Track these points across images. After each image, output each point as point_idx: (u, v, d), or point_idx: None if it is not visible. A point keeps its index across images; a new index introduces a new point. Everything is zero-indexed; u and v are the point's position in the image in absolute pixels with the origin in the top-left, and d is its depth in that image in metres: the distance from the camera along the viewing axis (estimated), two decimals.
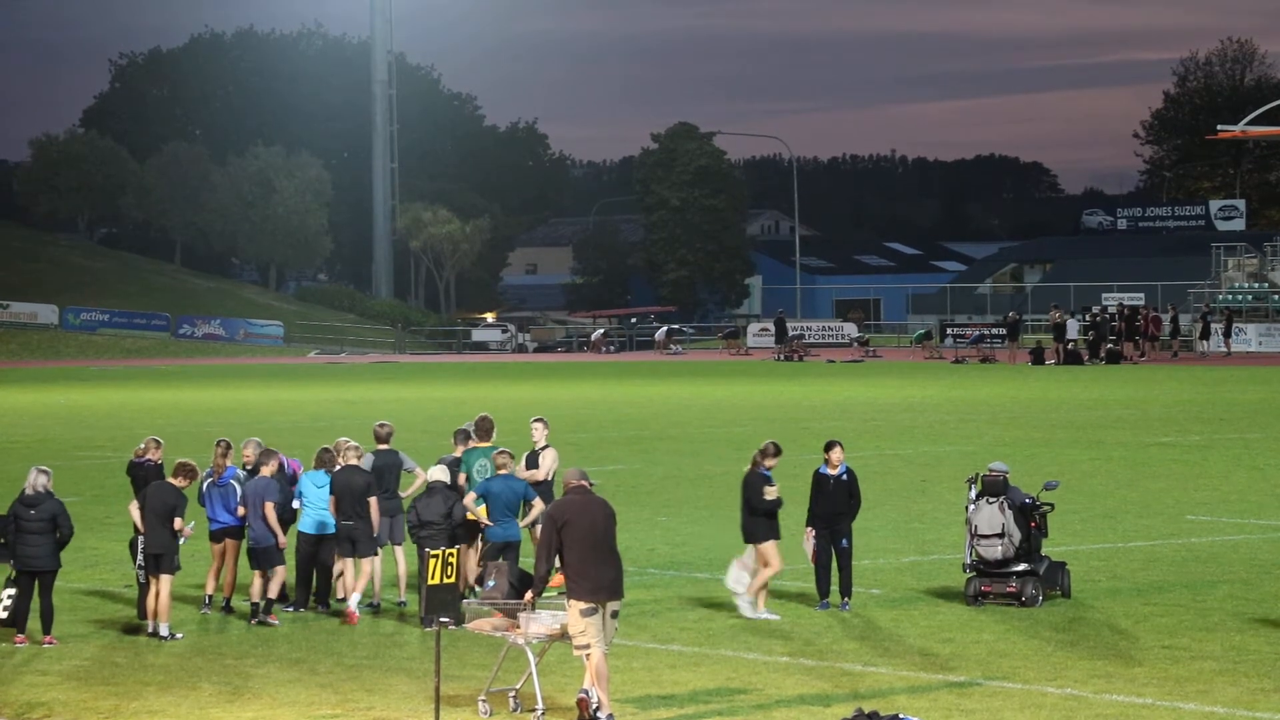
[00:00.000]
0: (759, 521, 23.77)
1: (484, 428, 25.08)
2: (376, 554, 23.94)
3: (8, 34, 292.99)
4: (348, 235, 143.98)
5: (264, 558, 23.42)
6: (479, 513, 23.61)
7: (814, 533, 24.03)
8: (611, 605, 18.10)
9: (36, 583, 22.24)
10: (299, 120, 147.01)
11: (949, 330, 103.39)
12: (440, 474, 23.47)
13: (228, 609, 24.06)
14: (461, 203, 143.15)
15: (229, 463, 24.22)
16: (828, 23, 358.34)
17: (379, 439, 24.84)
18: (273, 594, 23.54)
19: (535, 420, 25.69)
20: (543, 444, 25.35)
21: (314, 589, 24.28)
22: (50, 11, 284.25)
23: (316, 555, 24.14)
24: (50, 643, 21.96)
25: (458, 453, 24.71)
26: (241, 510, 23.75)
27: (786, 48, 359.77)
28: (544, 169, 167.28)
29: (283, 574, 23.64)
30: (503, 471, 23.58)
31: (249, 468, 24.47)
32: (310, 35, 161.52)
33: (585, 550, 17.94)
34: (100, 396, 73.40)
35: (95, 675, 20.39)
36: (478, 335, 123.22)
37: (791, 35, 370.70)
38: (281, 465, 24.24)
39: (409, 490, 24.94)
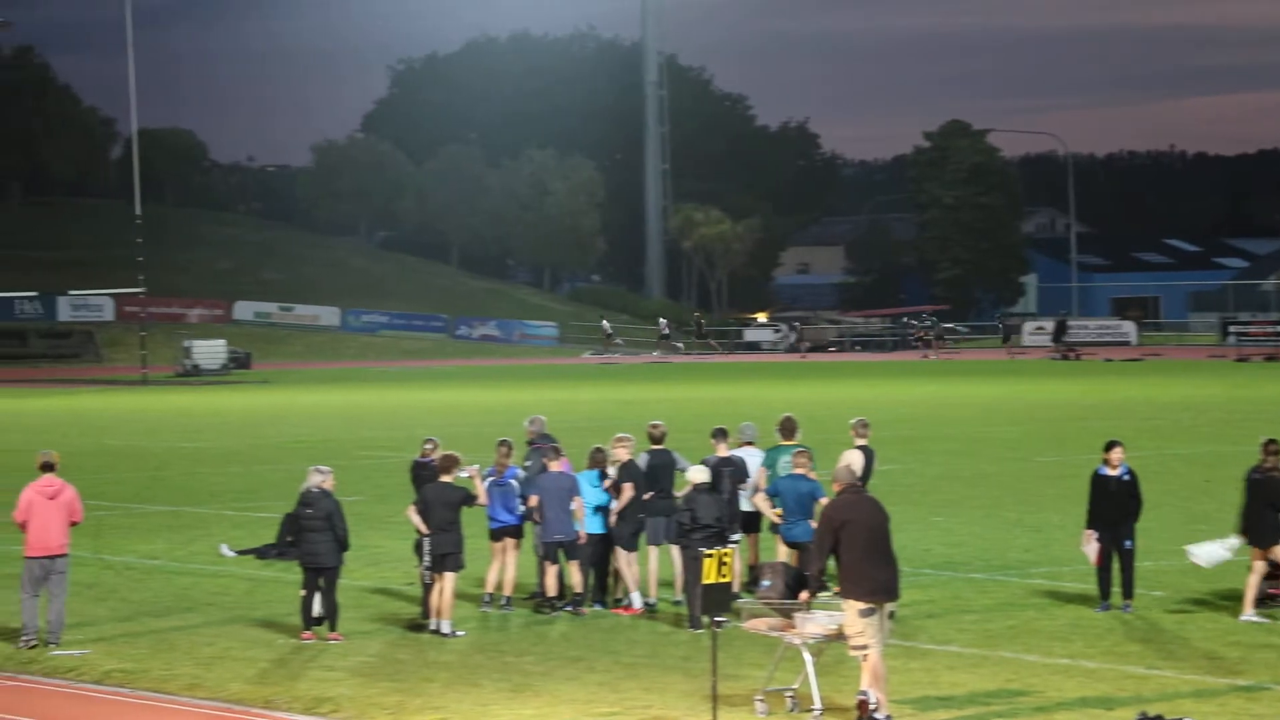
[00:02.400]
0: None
1: (788, 427, 25.14)
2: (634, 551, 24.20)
3: (290, 42, 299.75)
4: (620, 236, 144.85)
5: (564, 551, 23.78)
6: (769, 511, 23.69)
7: (1094, 534, 23.66)
8: (888, 606, 18.01)
9: (321, 581, 22.68)
10: (572, 122, 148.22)
11: (1230, 329, 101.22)
12: (701, 475, 23.45)
13: (508, 606, 24.34)
14: (733, 203, 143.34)
15: (510, 463, 24.49)
16: (1103, 17, 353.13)
17: (653, 439, 24.94)
18: (575, 588, 23.85)
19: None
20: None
21: (591, 586, 24.46)
22: (330, 19, 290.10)
23: (595, 553, 24.34)
24: (336, 639, 22.39)
25: (720, 452, 24.73)
26: (533, 500, 24.00)
27: (1059, 43, 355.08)
28: (815, 168, 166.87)
29: (575, 569, 23.90)
30: (798, 471, 23.58)
31: (530, 442, 24.87)
32: (583, 38, 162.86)
33: (862, 551, 17.86)
34: (380, 397, 74.73)
35: (380, 671, 20.74)
36: (750, 335, 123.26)
37: (1064, 30, 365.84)
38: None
39: (679, 492, 25.01)
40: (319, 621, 22.56)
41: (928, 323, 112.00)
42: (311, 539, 22.62)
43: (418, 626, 23.18)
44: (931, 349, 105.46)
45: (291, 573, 27.66)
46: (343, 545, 22.79)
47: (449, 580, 22.79)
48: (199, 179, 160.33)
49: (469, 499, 23.22)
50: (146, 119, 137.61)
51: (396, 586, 26.18)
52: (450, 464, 23.28)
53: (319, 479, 22.76)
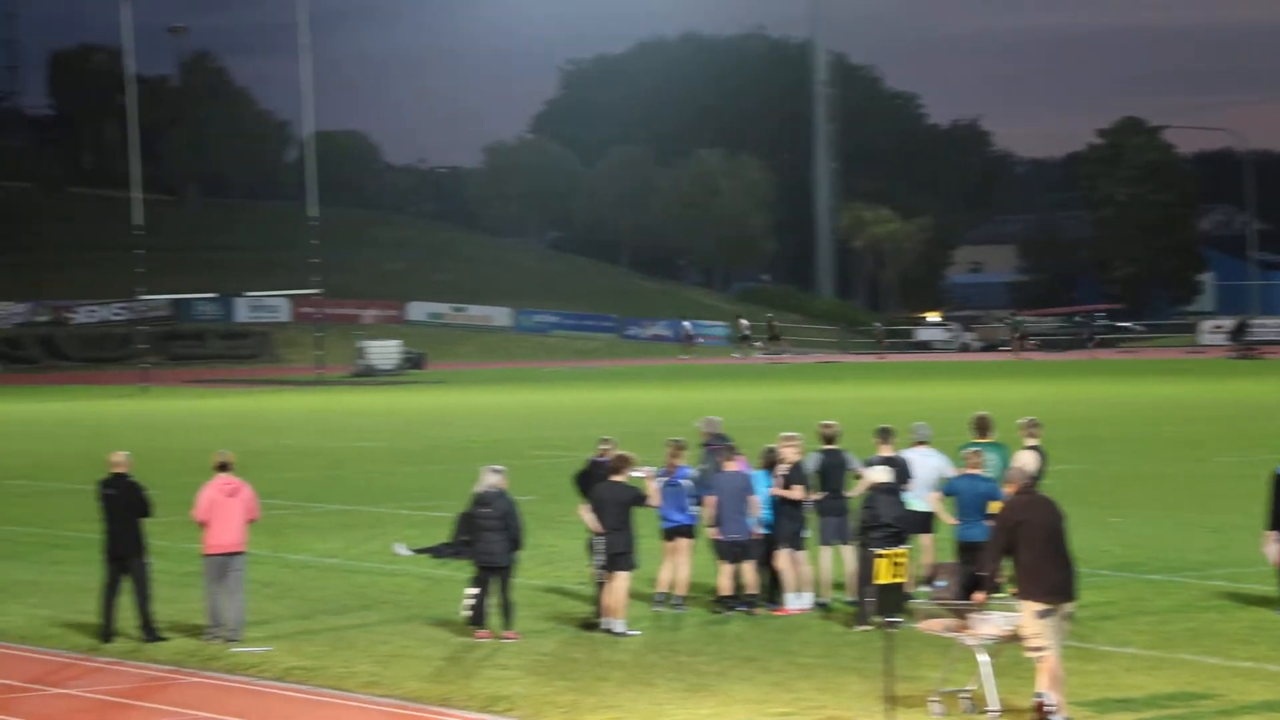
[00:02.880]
0: None
1: (982, 425, 25.01)
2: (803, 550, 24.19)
3: (461, 43, 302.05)
4: (790, 236, 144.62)
5: (740, 550, 23.80)
6: (942, 510, 23.57)
7: (1276, 535, 23.27)
8: (1065, 607, 17.84)
9: (495, 579, 22.82)
10: (741, 122, 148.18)
11: None
12: (883, 475, 23.38)
13: (681, 606, 24.36)
14: (903, 202, 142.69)
15: (681, 462, 24.51)
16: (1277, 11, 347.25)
17: (825, 439, 24.87)
18: (749, 588, 23.86)
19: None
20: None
21: (763, 586, 24.45)
22: (501, 21, 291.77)
23: (765, 553, 24.32)
24: (512, 638, 22.52)
25: (883, 452, 24.61)
26: (709, 501, 24.04)
27: (1235, 38, 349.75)
28: (986, 166, 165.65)
29: (750, 568, 23.91)
30: (974, 470, 23.44)
31: (705, 443, 24.91)
32: (752, 37, 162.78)
33: (1039, 551, 17.70)
34: (552, 397, 75.10)
35: (554, 670, 20.84)
36: (921, 334, 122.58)
37: (1239, 25, 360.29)
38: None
39: (854, 491, 24.91)
40: (479, 620, 22.68)
41: (1013, 321, 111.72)
42: (487, 538, 22.75)
43: (591, 625, 23.26)
44: (1016, 348, 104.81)
45: (465, 572, 27.90)
46: (516, 545, 22.92)
47: (622, 580, 22.85)
48: (372, 181, 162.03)
49: (641, 499, 23.29)
50: (321, 121, 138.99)
51: (570, 586, 26.29)
52: (622, 464, 23.36)
53: (494, 478, 22.90)
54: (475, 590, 22.81)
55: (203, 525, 23.00)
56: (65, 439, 56.41)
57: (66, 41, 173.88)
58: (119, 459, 23.44)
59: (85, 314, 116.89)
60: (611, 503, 23.05)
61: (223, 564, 22.89)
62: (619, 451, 23.83)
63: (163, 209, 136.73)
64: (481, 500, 22.83)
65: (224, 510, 22.91)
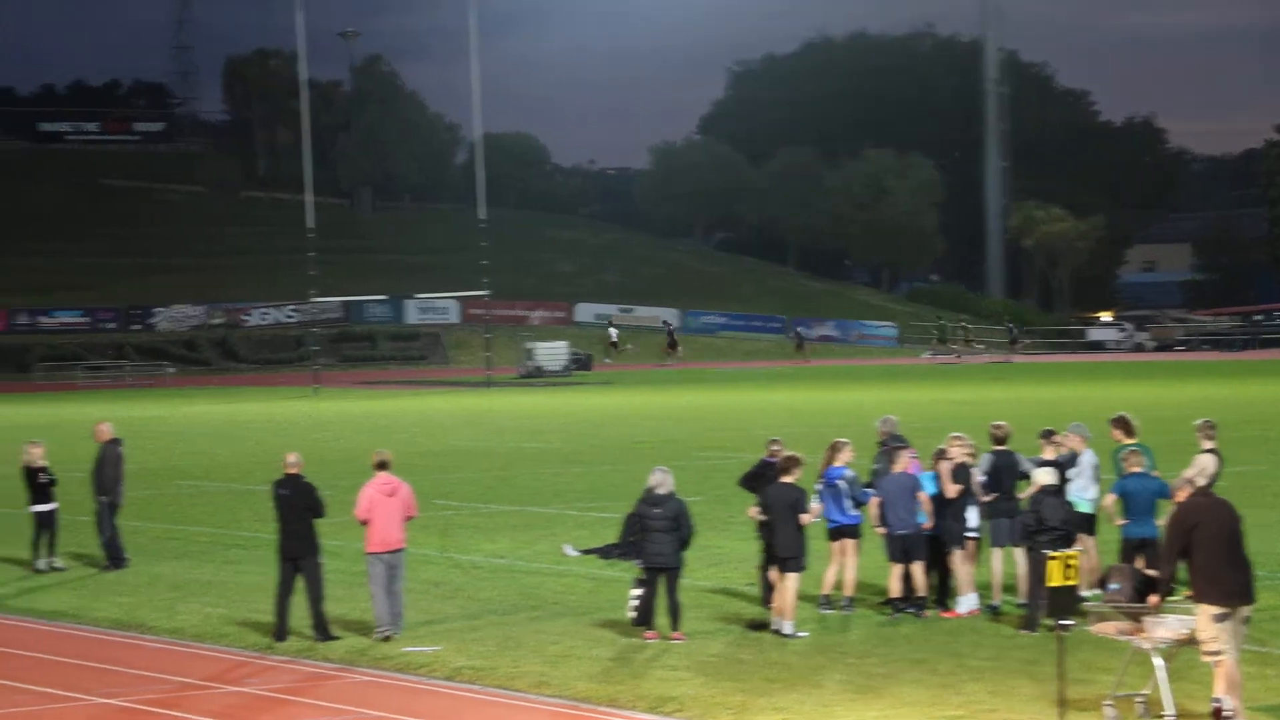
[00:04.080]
0: None
1: (1128, 426, 24.71)
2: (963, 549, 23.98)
3: (630, 45, 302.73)
4: (959, 235, 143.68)
5: (909, 550, 23.68)
6: (1113, 510, 23.32)
7: None
8: (1242, 610, 17.54)
9: (662, 580, 22.81)
10: (910, 121, 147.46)
11: None
12: (1049, 477, 23.11)
13: (849, 607, 24.23)
14: (1075, 200, 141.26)
15: (838, 463, 24.40)
16: None
17: (996, 440, 24.66)
18: (918, 590, 23.72)
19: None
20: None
21: (933, 588, 24.27)
22: (669, 22, 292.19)
23: (933, 555, 24.16)
24: (679, 639, 22.50)
25: (1046, 454, 24.34)
26: (874, 502, 23.92)
27: None
28: (1161, 164, 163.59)
29: (920, 569, 23.76)
30: (1137, 470, 23.15)
31: (881, 442, 24.81)
32: (921, 36, 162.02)
33: (1216, 554, 17.41)
34: (719, 398, 75.05)
35: (723, 671, 20.78)
36: (1093, 334, 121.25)
37: None
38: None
39: (1024, 493, 24.66)
40: (645, 621, 22.66)
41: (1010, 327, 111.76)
42: (657, 539, 22.72)
43: (759, 626, 23.19)
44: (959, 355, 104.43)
45: (633, 573, 27.92)
46: (685, 546, 22.90)
47: (791, 581, 22.77)
48: (541, 182, 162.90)
49: (804, 501, 23.18)
50: (490, 124, 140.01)
51: (737, 587, 26.23)
52: (792, 465, 23.28)
53: (664, 479, 22.88)
54: (641, 591, 22.80)
55: (364, 524, 23.26)
56: (239, 440, 57.16)
57: (241, 48, 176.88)
58: (292, 460, 23.69)
59: (259, 316, 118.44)
60: (780, 504, 22.99)
61: (387, 561, 23.15)
62: (788, 452, 23.76)
63: (335, 212, 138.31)
64: (653, 501, 22.80)
65: (384, 509, 23.15)
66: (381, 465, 23.39)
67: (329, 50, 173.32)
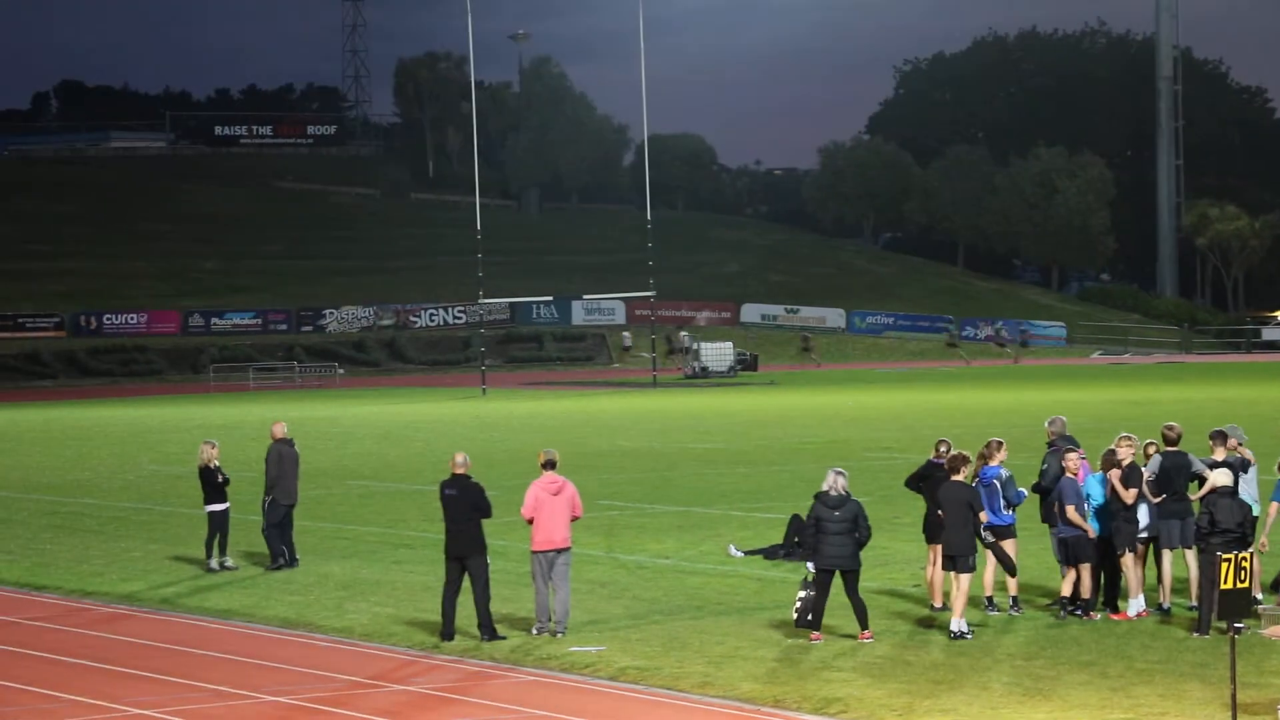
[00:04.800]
0: None
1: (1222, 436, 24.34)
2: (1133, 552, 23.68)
3: (796, 44, 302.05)
4: (1131, 234, 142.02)
5: (1077, 551, 23.47)
6: (1273, 518, 22.98)
7: None
8: None
9: (837, 582, 22.66)
10: (1081, 119, 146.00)
11: None
12: (1224, 478, 22.79)
13: (1016, 608, 24.01)
14: (1251, 198, 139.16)
15: (994, 462, 24.19)
16: None
17: (1168, 441, 24.34)
18: (1084, 592, 23.49)
19: None
20: None
21: (1102, 589, 24.01)
22: (835, 21, 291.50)
23: (1102, 557, 23.90)
24: (868, 638, 22.35)
25: (1217, 455, 23.99)
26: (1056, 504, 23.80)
27: None
28: None
29: (1087, 572, 23.51)
30: None
31: (1050, 443, 24.63)
32: (1093, 34, 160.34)
33: None
34: (886, 398, 74.70)
35: (888, 672, 20.67)
36: (1268, 334, 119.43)
37: None
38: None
39: (1198, 494, 24.32)
40: (812, 623, 22.54)
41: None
42: (834, 541, 22.57)
43: (926, 626, 23.06)
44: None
45: (799, 574, 27.85)
46: (862, 547, 22.78)
47: (962, 581, 22.62)
48: (708, 183, 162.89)
49: (978, 501, 23.04)
50: (657, 125, 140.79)
51: (903, 588, 26.08)
52: (961, 463, 23.16)
53: (842, 481, 22.77)
54: (807, 593, 22.69)
55: (530, 523, 23.38)
56: (407, 440, 57.64)
57: (412, 51, 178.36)
58: (459, 460, 23.85)
59: (427, 318, 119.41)
60: (953, 502, 22.87)
61: (551, 560, 23.26)
62: (956, 451, 23.62)
63: (503, 214, 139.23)
64: (831, 503, 22.66)
65: (550, 508, 23.28)
66: (548, 464, 23.49)
67: (498, 52, 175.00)
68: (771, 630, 23.27)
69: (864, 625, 22.53)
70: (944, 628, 22.67)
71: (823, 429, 57.75)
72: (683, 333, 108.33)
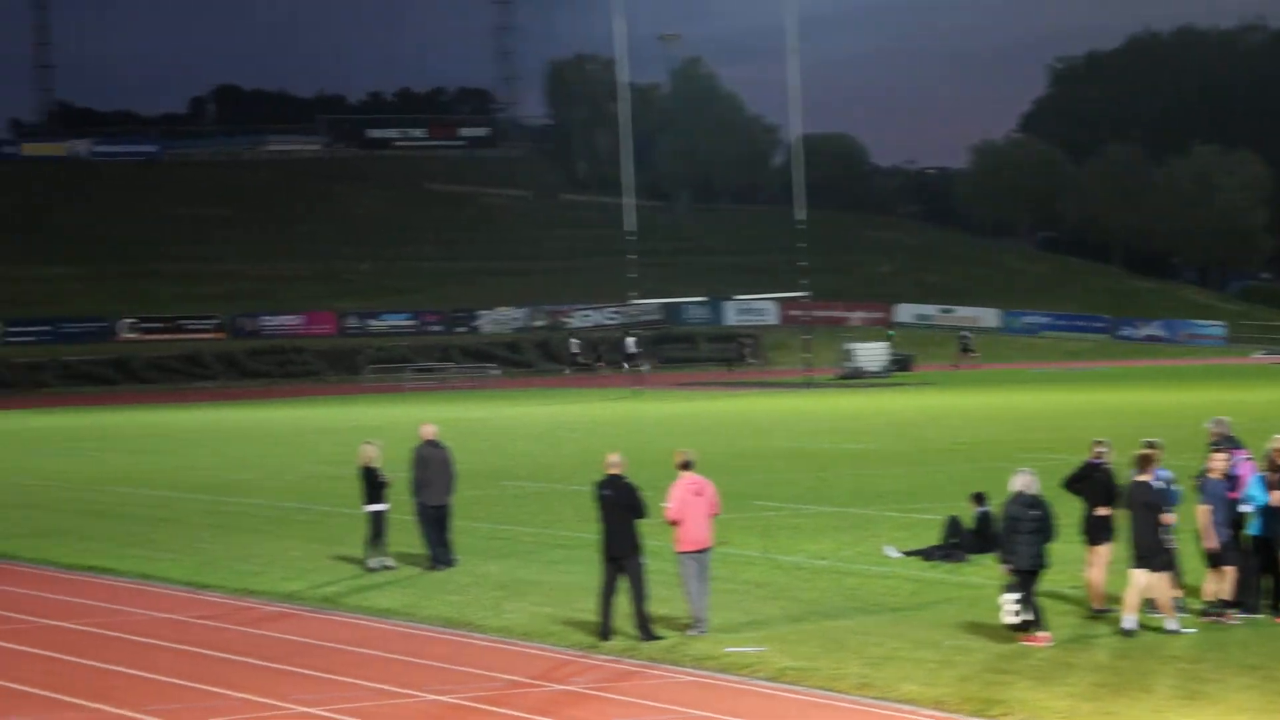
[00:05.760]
0: None
1: None
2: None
3: (949, 43, 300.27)
4: None
5: (1216, 557, 23.23)
6: None
7: None
8: None
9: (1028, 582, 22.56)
10: (1239, 116, 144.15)
11: None
12: None
13: (1181, 610, 23.76)
14: None
15: (1155, 466, 23.94)
16: None
17: None
18: (1224, 594, 23.20)
19: None
20: None
21: (1267, 591, 23.69)
22: (989, 20, 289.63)
23: (1266, 559, 23.60)
24: (1045, 641, 22.13)
25: None
26: (1202, 509, 23.49)
27: None
28: None
29: (1232, 575, 23.24)
30: None
31: (1213, 444, 24.34)
32: (1251, 30, 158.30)
33: None
34: (1042, 399, 74.08)
35: (1050, 675, 20.48)
36: None
37: None
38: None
39: None
40: (1031, 624, 22.35)
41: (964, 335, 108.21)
42: (1029, 540, 22.38)
43: (1091, 626, 22.87)
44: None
45: (956, 575, 27.71)
46: (1047, 542, 22.62)
47: (1157, 579, 22.48)
48: (859, 183, 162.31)
49: (1161, 499, 22.86)
50: (809, 125, 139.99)
51: (1063, 589, 25.85)
52: (1147, 463, 22.99)
53: (1031, 480, 22.60)
54: (1018, 595, 22.39)
55: (675, 524, 23.47)
56: (561, 441, 57.87)
57: (562, 52, 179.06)
58: (614, 460, 23.93)
59: (580, 319, 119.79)
60: (1139, 504, 22.72)
61: (697, 560, 23.44)
62: (1143, 450, 23.28)
63: (654, 214, 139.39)
64: (1027, 502, 22.48)
65: (693, 509, 23.49)
66: (685, 465, 23.68)
67: (648, 53, 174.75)
68: (931, 631, 23.15)
69: (1041, 628, 22.31)
70: (1112, 625, 22.43)
71: (977, 429, 57.37)
72: (629, 338, 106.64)
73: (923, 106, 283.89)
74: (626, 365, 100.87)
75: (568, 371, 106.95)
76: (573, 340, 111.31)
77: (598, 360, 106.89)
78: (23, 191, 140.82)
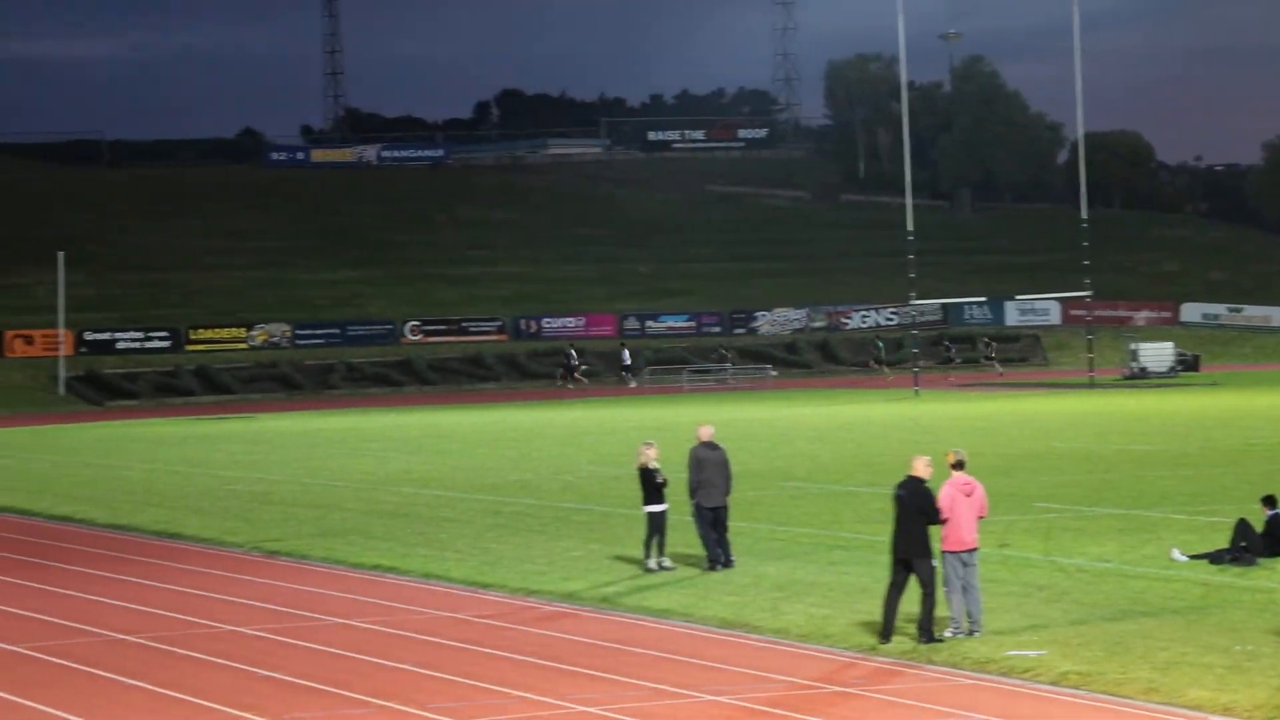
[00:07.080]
0: None
1: None
2: None
3: (1238, 38, 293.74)
4: None
5: None
6: None
7: None
8: None
9: None
10: None
11: None
12: None
13: None
14: None
15: None
16: None
17: None
18: None
19: None
20: None
21: None
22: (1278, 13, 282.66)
23: None
24: None
25: None
26: None
27: None
28: None
29: None
30: None
31: None
32: None
33: None
34: None
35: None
36: None
37: None
38: None
39: None
40: None
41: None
42: None
43: None
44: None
45: (1247, 579, 27.10)
46: None
47: None
48: (1145, 180, 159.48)
49: None
50: (1093, 122, 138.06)
51: None
52: None
53: None
54: None
55: (943, 523, 23.36)
56: (840, 441, 57.63)
57: (842, 52, 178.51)
58: (919, 464, 23.80)
59: (858, 319, 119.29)
60: None
61: (963, 560, 23.33)
62: None
63: (934, 214, 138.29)
64: None
65: (962, 509, 23.41)
66: (958, 465, 23.64)
67: (929, 52, 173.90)
68: (1219, 636, 22.65)
69: None
70: None
71: (1270, 430, 56.02)
72: (624, 349, 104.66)
73: (1211, 102, 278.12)
74: (621, 375, 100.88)
75: (568, 385, 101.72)
76: (624, 351, 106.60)
77: (877, 361, 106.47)
78: (313, 196, 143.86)
